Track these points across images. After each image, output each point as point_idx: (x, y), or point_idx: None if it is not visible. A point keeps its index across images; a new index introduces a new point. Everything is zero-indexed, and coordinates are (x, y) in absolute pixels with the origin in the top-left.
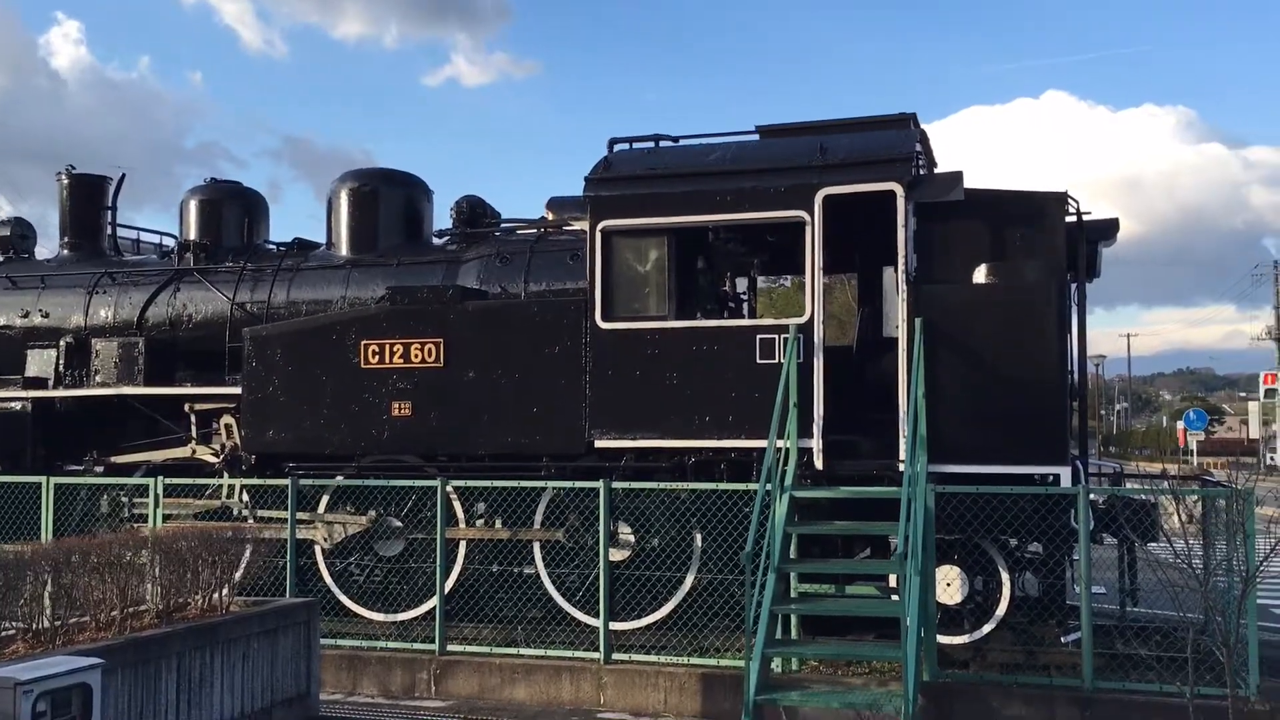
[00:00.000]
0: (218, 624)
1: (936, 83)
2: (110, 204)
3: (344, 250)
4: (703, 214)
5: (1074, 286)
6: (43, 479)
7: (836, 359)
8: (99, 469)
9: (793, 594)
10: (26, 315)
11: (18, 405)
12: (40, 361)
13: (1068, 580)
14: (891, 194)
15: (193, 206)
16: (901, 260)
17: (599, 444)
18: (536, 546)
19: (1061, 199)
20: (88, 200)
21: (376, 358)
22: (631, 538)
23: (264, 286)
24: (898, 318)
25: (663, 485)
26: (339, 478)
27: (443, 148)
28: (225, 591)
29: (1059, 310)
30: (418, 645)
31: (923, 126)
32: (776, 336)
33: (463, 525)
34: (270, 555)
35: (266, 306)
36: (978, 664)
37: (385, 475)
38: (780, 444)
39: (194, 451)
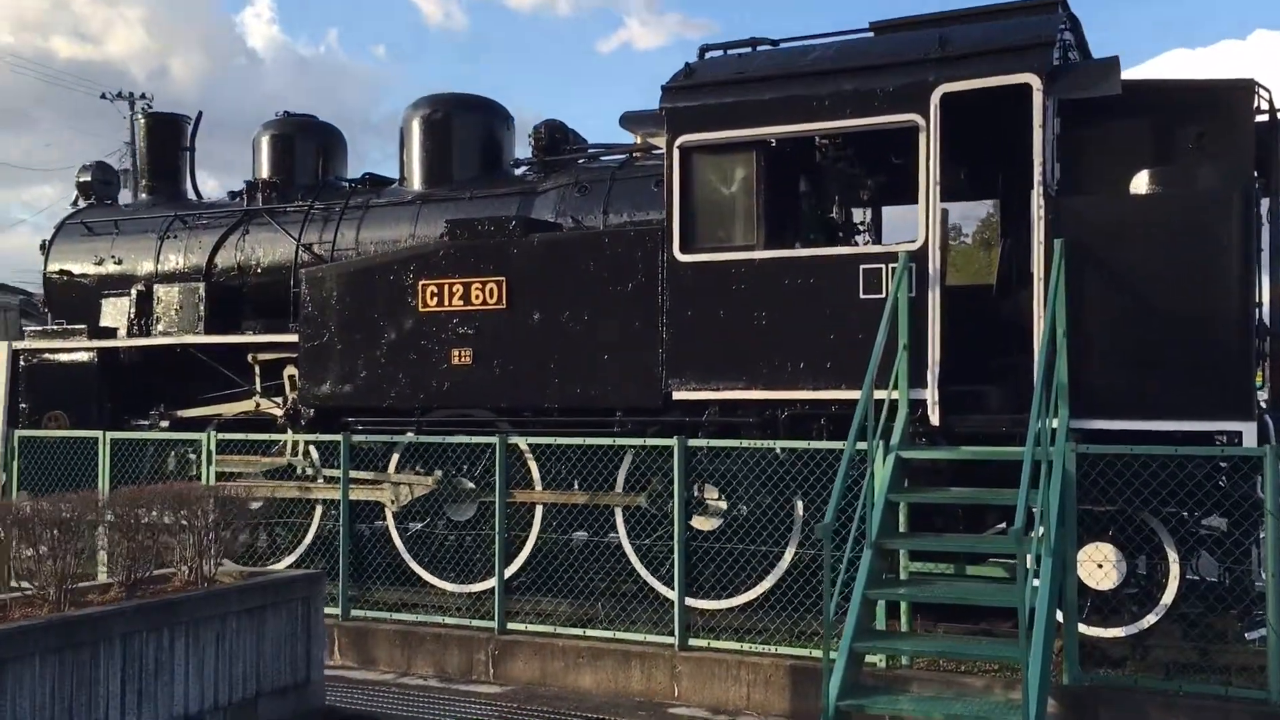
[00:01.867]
0: (176, 601)
1: (1128, 27)
2: (188, 145)
3: (416, 184)
4: (795, 123)
5: (1265, 201)
6: (99, 434)
7: (973, 299)
8: (164, 424)
9: (903, 575)
10: (101, 262)
11: (84, 356)
12: (113, 310)
13: (1253, 561)
14: (1026, 88)
15: (264, 142)
16: (1039, 168)
17: (677, 395)
18: (619, 513)
19: (1248, 89)
20: (166, 141)
21: (435, 300)
22: (723, 504)
23: (331, 226)
24: (1034, 241)
25: (745, 443)
26: (408, 434)
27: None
28: (205, 562)
29: (1243, 226)
30: (476, 623)
31: (1074, 13)
32: (884, 266)
33: (538, 487)
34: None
35: (333, 248)
36: (1136, 663)
37: (449, 431)
38: (885, 395)
39: (258, 405)
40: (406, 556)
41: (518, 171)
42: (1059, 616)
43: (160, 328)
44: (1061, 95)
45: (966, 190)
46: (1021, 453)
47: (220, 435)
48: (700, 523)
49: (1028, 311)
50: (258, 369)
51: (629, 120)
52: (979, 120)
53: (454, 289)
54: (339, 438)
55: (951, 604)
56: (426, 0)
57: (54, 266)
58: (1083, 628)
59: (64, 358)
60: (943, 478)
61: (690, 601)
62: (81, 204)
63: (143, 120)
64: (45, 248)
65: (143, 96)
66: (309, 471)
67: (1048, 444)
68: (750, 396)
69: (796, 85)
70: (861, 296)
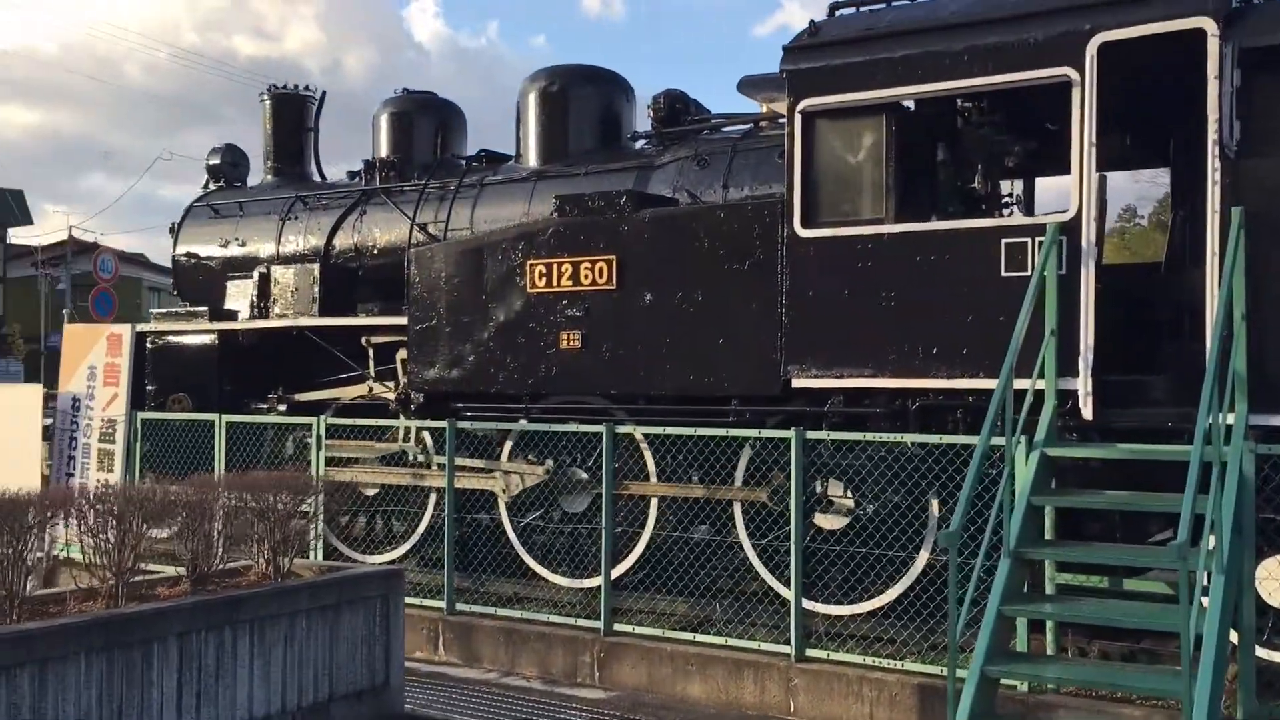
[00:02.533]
0: (241, 598)
1: None
2: (312, 125)
3: (532, 160)
4: (929, 83)
5: None
6: (215, 417)
7: (1135, 278)
8: (281, 407)
9: (1049, 588)
10: (225, 245)
11: (205, 339)
12: (237, 293)
13: None
14: (1199, 34)
15: (383, 121)
16: (1214, 127)
17: (797, 383)
18: (737, 508)
19: None
20: (290, 122)
21: (544, 279)
22: (849, 502)
23: (446, 206)
24: (1208, 208)
25: (869, 437)
26: (520, 422)
27: None
28: (280, 556)
29: None
30: (581, 622)
31: None
32: (1030, 240)
33: (654, 479)
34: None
35: (446, 228)
36: None
37: (558, 418)
38: (1027, 384)
39: (371, 389)
40: (519, 548)
41: (638, 146)
42: (1233, 638)
43: (277, 310)
44: (1243, 43)
45: (1133, 157)
46: (1189, 452)
47: (330, 420)
48: (825, 521)
49: (1200, 291)
50: (371, 352)
51: (748, 84)
52: (1144, 75)
53: (562, 268)
54: (444, 424)
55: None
56: None
57: (182, 249)
58: (1262, 652)
59: (186, 340)
60: (1096, 479)
61: (812, 605)
62: (212, 187)
63: (267, 101)
64: (174, 231)
65: (307, 89)
66: (420, 459)
67: (1221, 442)
68: (877, 385)
69: (931, 40)
70: (1003, 274)
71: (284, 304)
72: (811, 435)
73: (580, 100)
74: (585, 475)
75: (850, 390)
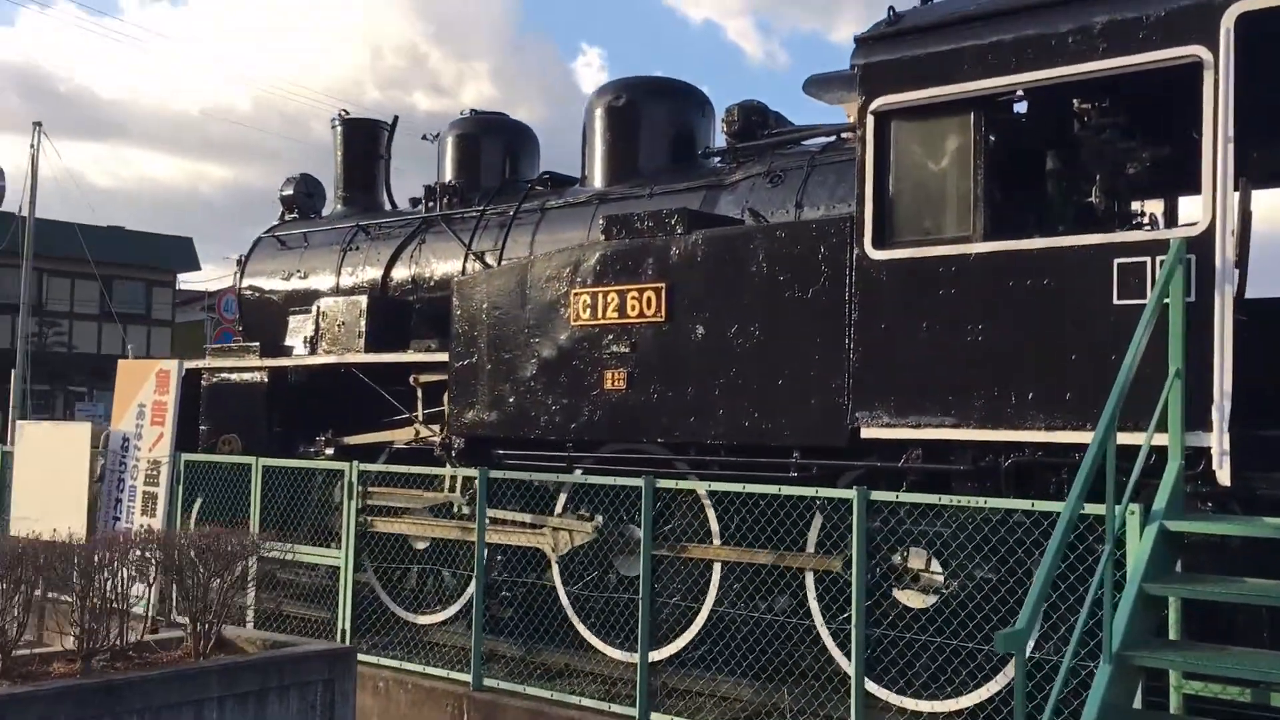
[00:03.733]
0: (119, 684)
1: None
2: (384, 153)
3: (597, 182)
4: (1025, 71)
5: None
6: (253, 460)
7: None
8: (329, 451)
9: (1172, 702)
10: (288, 278)
11: (255, 376)
12: (296, 328)
13: None
14: None
15: (449, 144)
16: None
17: (867, 433)
18: (809, 578)
19: None
20: (361, 148)
21: (588, 311)
22: (938, 576)
23: (504, 232)
24: None
25: (941, 499)
26: (574, 473)
27: None
28: (200, 625)
29: None
30: (616, 708)
31: None
32: (1149, 260)
33: (716, 542)
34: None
35: (501, 255)
36: None
37: (599, 468)
38: (1140, 439)
39: (417, 433)
40: (571, 614)
41: (714, 163)
42: None
43: (324, 345)
44: None
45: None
46: None
47: (363, 467)
48: (908, 598)
49: None
50: (420, 392)
51: (814, 84)
52: None
53: (608, 298)
54: (475, 472)
55: None
56: (748, 41)
57: (247, 283)
58: None
59: (237, 378)
60: (1236, 562)
61: (884, 694)
62: (288, 218)
63: (338, 127)
64: (240, 264)
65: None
66: (466, 510)
67: None
68: (962, 436)
69: (1029, 22)
70: (1116, 302)
71: (331, 339)
72: (876, 496)
73: (650, 115)
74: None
75: (929, 442)
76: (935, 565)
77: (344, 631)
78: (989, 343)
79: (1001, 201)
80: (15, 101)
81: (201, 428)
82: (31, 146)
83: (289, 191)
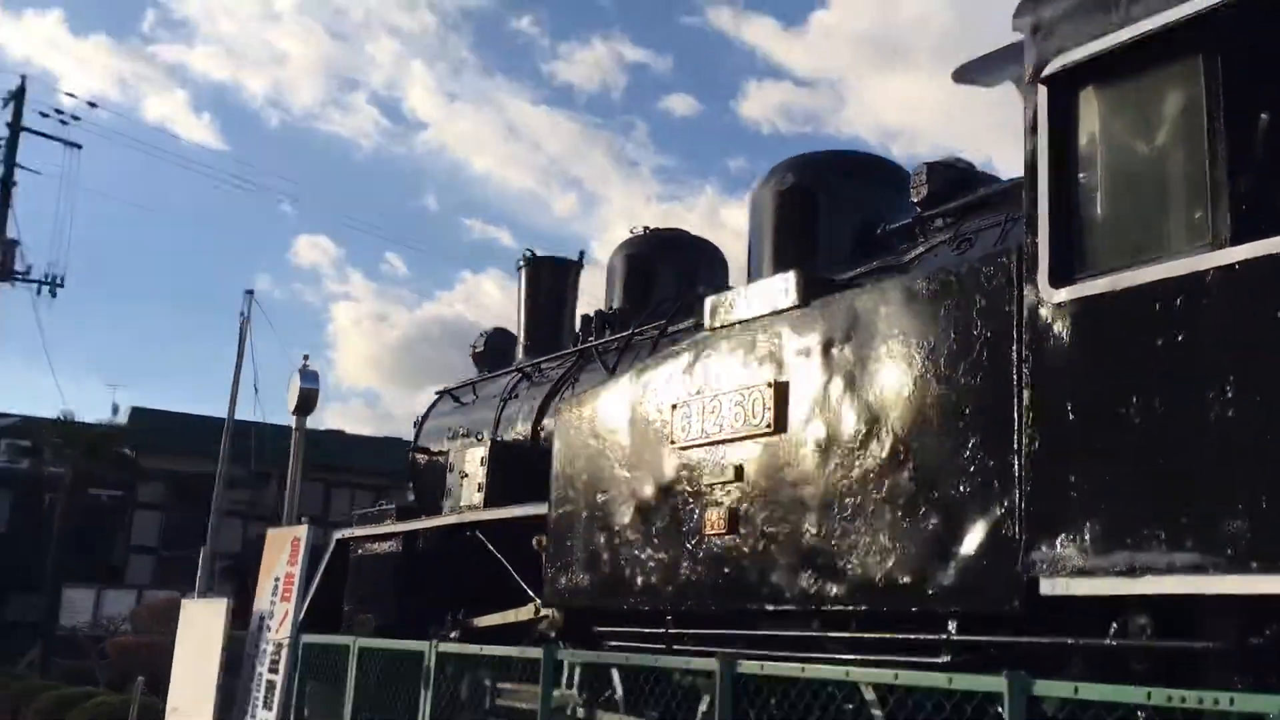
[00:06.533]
0: None
1: None
2: (570, 291)
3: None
4: None
5: None
6: (350, 640)
7: None
8: (454, 635)
9: None
10: (454, 436)
11: (389, 545)
12: (460, 490)
13: None
14: None
15: (618, 266)
16: None
17: (1049, 589)
18: None
19: None
20: (547, 290)
21: (687, 428)
22: None
23: (647, 357)
24: None
25: (1171, 698)
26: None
27: None
28: None
29: None
30: None
31: None
32: None
33: None
34: None
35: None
36: None
37: (682, 648)
38: None
39: (536, 610)
40: None
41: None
42: None
43: (447, 504)
44: None
45: None
46: None
47: (443, 648)
48: None
49: None
50: (544, 557)
51: (968, 70)
52: None
53: (709, 407)
54: (539, 654)
55: None
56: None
57: (420, 445)
58: None
59: (378, 547)
60: None
61: None
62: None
63: (523, 266)
64: (417, 426)
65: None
66: (580, 713)
67: None
68: (1219, 588)
69: None
70: None
71: (456, 497)
72: (1045, 689)
73: (830, 199)
74: None
75: (1161, 601)
76: None
77: None
78: (1256, 416)
79: (1258, 184)
80: None
81: (345, 607)
82: None
83: (480, 348)
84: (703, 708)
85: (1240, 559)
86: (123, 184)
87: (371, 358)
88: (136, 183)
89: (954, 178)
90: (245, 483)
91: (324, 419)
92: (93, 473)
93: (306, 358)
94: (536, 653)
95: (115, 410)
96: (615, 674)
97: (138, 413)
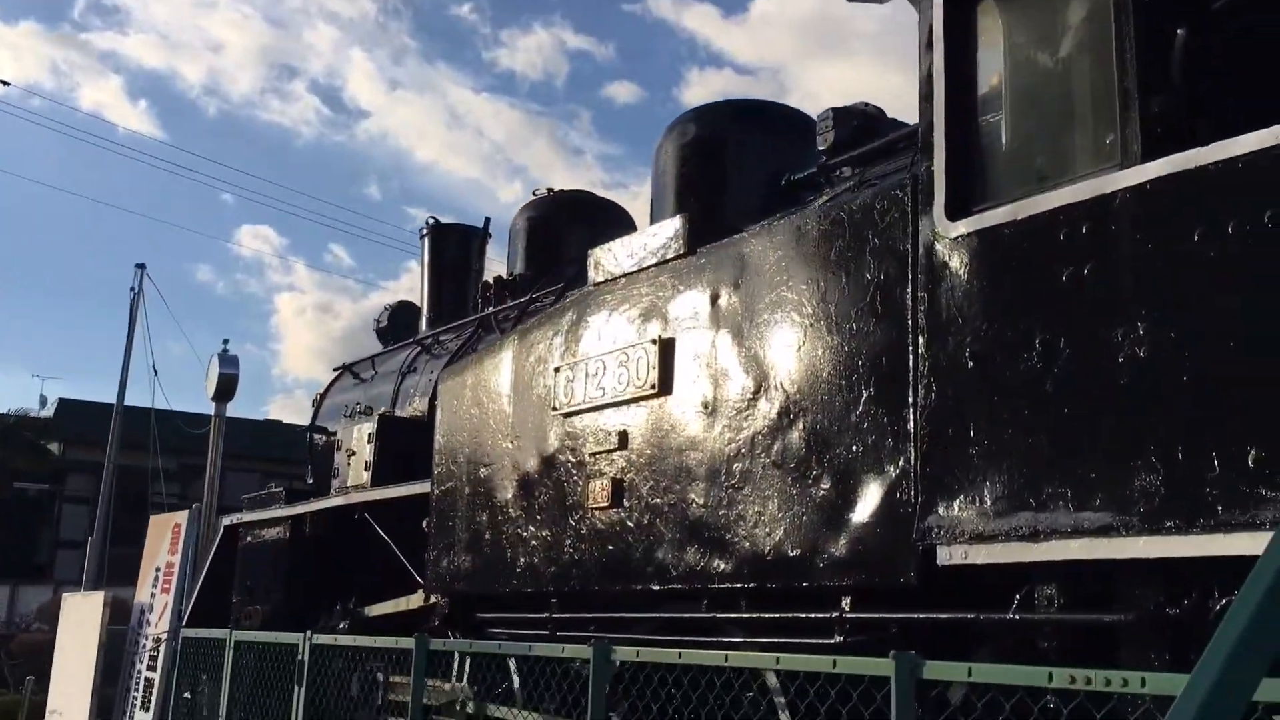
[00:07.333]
0: None
1: None
2: (477, 260)
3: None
4: None
5: None
6: (226, 633)
7: None
8: (343, 625)
9: None
10: (350, 414)
11: (277, 531)
12: (347, 470)
13: None
14: None
15: (520, 229)
16: None
17: (945, 558)
18: None
19: None
20: (451, 258)
21: (569, 391)
22: None
23: (549, 322)
24: None
25: (1059, 678)
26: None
27: None
28: None
29: None
30: None
31: None
32: None
33: None
34: None
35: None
36: None
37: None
38: None
39: (426, 596)
40: None
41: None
42: None
43: (335, 485)
44: None
45: None
46: None
47: (318, 639)
48: None
49: None
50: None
51: None
52: None
53: (591, 369)
54: (411, 643)
55: None
56: None
57: (319, 425)
58: None
59: (267, 534)
60: None
61: None
62: None
63: (425, 235)
64: (316, 405)
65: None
66: (469, 708)
67: None
68: (1127, 552)
69: None
70: None
71: (343, 477)
72: (934, 671)
73: (734, 150)
74: None
75: (1075, 569)
76: None
77: None
78: (1173, 354)
79: (1174, 94)
80: None
81: (234, 598)
82: None
83: (384, 322)
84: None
85: (1153, 519)
86: (61, 172)
87: (316, 348)
88: (75, 170)
89: (861, 124)
90: (176, 475)
91: (268, 411)
92: (16, 466)
93: (226, 342)
94: (410, 643)
95: (44, 403)
96: (512, 664)
97: (65, 405)
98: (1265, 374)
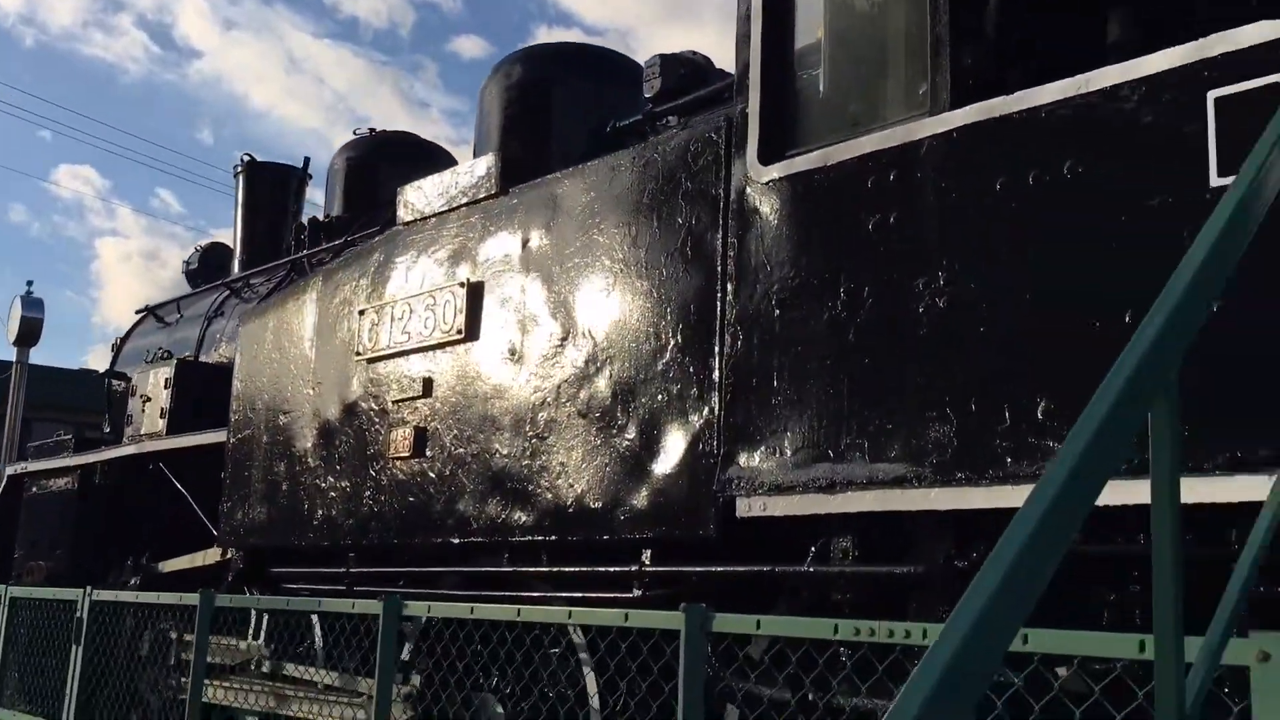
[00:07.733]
0: None
1: None
2: (294, 202)
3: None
4: None
5: None
6: (1, 589)
7: None
8: (134, 581)
9: None
10: (151, 360)
11: (65, 482)
12: (141, 417)
13: None
14: None
15: (339, 170)
16: None
17: (744, 510)
18: None
19: None
20: (266, 198)
21: (374, 337)
22: None
23: (359, 264)
24: None
25: (844, 629)
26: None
27: None
28: None
29: None
30: None
31: None
32: None
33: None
34: None
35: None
36: None
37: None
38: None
39: (223, 551)
40: None
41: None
42: None
43: (129, 433)
44: None
45: None
46: None
47: (100, 595)
48: None
49: None
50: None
51: None
52: None
53: (397, 313)
54: (195, 599)
55: None
56: None
57: (119, 370)
58: None
59: (53, 484)
60: None
61: None
62: None
63: (240, 171)
64: (115, 350)
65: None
66: (265, 667)
67: None
68: (918, 504)
69: None
70: (1215, 183)
71: (137, 425)
72: (722, 625)
73: (562, 93)
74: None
75: (868, 521)
76: None
77: None
78: (971, 305)
79: (983, 42)
80: None
81: (16, 554)
82: None
83: (194, 264)
84: (404, 655)
85: (945, 470)
86: None
87: (143, 296)
88: None
89: (689, 73)
90: None
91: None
92: None
93: (30, 284)
94: (194, 599)
95: None
96: (315, 620)
97: None
98: (1057, 326)
